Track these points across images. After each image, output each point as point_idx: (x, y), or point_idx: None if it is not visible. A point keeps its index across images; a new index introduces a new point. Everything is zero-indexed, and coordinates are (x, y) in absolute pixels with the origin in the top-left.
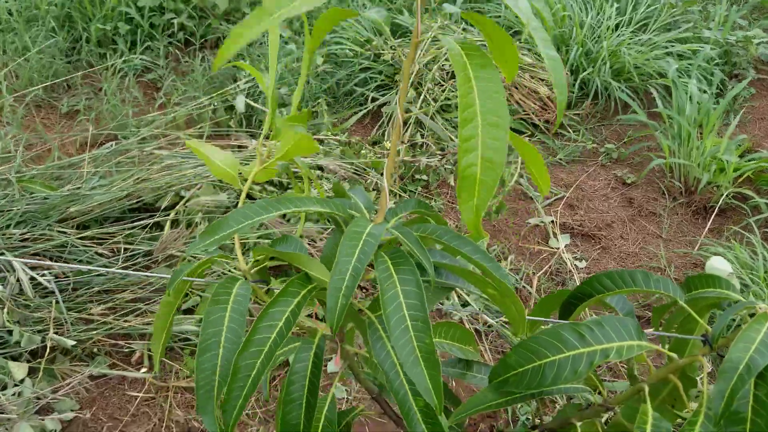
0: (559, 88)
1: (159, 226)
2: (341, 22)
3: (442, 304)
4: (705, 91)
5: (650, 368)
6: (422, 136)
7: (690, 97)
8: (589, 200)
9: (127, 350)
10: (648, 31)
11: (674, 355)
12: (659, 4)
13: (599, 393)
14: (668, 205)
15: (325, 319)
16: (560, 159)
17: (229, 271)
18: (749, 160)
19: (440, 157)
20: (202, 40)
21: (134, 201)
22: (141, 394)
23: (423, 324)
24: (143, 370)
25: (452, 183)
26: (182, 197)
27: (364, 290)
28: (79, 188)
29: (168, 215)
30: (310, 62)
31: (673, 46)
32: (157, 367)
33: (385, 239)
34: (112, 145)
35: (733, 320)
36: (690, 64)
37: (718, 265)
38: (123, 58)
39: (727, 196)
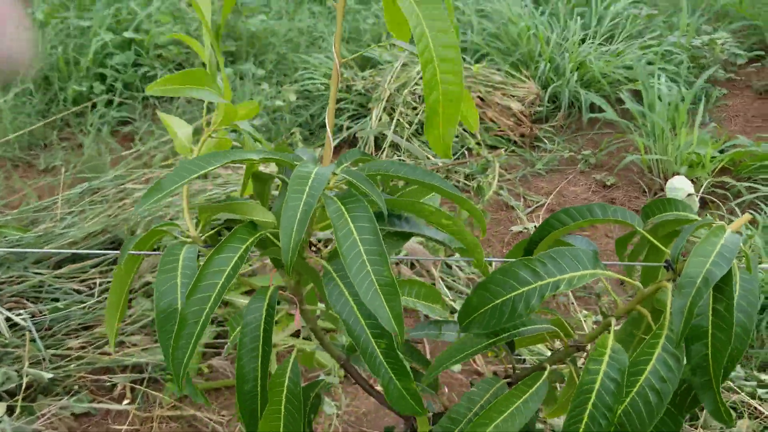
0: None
1: None
2: (313, 60)
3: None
4: (673, 88)
5: (617, 302)
6: (399, 157)
7: (659, 96)
8: (571, 204)
9: (108, 384)
10: (614, 42)
11: (638, 284)
12: (622, 17)
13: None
14: (650, 201)
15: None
16: (539, 169)
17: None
18: (722, 151)
19: None
20: None
21: (108, 236)
22: (125, 427)
23: (380, 257)
24: (126, 401)
25: None
26: None
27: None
28: (53, 228)
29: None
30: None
31: (639, 53)
32: (112, 344)
33: (333, 186)
34: (85, 185)
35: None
36: (660, 69)
37: (678, 184)
38: (99, 114)
39: (707, 186)
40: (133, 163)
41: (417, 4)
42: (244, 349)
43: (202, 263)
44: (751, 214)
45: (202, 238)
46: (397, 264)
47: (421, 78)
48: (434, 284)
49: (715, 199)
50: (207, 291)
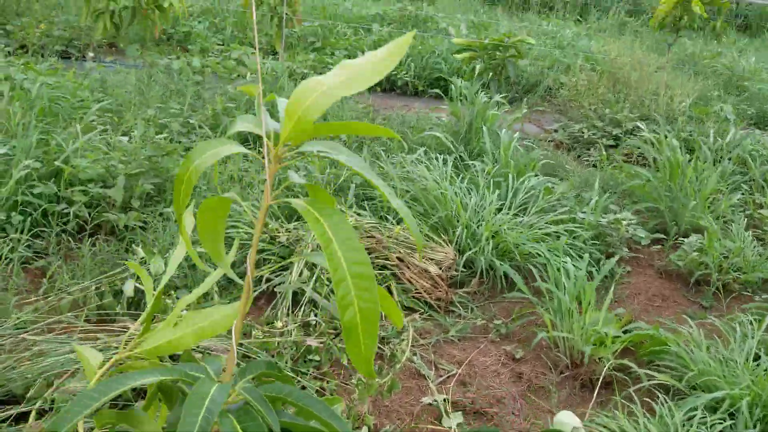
0: (413, 232)
1: (25, 416)
2: (238, 207)
3: None
4: (579, 268)
5: None
6: (315, 315)
7: (567, 272)
8: (481, 377)
9: None
10: (527, 214)
11: None
12: (536, 191)
13: None
14: (556, 379)
15: None
16: (452, 336)
17: None
18: (626, 332)
19: (333, 336)
20: (94, 225)
21: (2, 391)
22: None
23: None
24: None
25: (346, 363)
26: (52, 384)
27: None
28: None
29: (35, 405)
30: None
31: (550, 227)
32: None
33: (233, 401)
34: None
35: None
36: (568, 245)
37: (565, 419)
38: (10, 246)
39: (609, 368)
40: (40, 307)
41: (327, 223)
42: None
43: None
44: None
45: None
46: None
47: None
48: None
49: (618, 384)
50: None
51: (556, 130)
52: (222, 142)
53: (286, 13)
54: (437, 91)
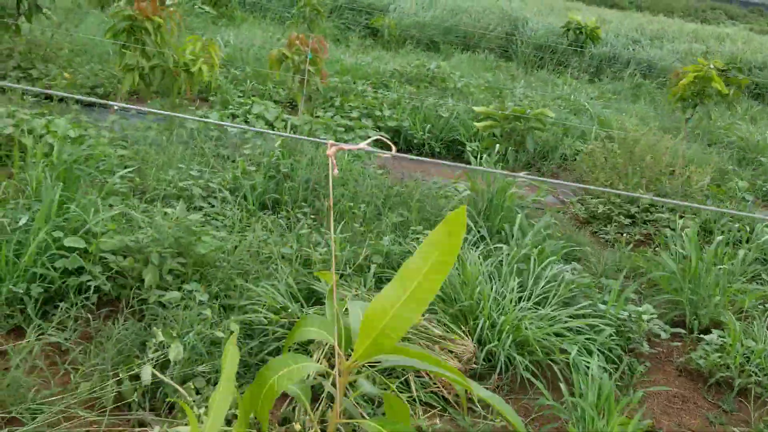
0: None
1: None
2: (257, 287)
3: None
4: (606, 370)
5: None
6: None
7: (591, 377)
8: None
9: None
10: (548, 305)
11: None
12: (558, 279)
13: None
14: None
15: None
16: None
17: None
18: None
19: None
20: (114, 301)
21: None
22: None
23: None
24: None
25: None
26: None
27: None
28: None
29: None
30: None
31: (571, 320)
32: None
33: None
34: None
35: None
36: (588, 339)
37: None
38: (33, 325)
39: None
40: (59, 402)
41: None
42: None
43: None
44: None
45: None
46: None
47: None
48: None
49: None
50: None
51: (572, 202)
52: (296, 359)
53: (309, 69)
54: (453, 159)
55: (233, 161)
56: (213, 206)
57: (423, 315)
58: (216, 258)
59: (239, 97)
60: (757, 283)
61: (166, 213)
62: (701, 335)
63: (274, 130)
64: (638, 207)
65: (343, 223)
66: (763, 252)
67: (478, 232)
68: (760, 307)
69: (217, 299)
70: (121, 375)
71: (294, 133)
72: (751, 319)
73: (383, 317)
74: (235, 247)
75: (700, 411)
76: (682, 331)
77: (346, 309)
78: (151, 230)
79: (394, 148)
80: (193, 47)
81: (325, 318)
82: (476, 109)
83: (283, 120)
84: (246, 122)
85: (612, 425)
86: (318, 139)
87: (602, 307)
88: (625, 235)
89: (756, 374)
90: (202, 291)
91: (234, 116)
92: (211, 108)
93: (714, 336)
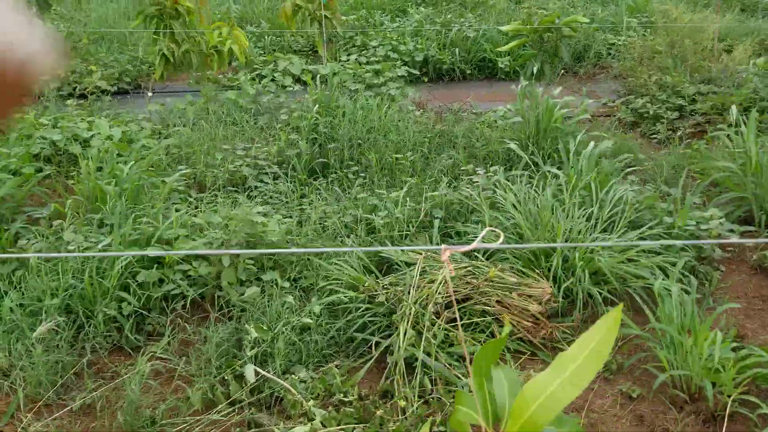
0: None
1: None
2: (330, 264)
3: None
4: (684, 287)
5: None
6: (430, 379)
7: (672, 298)
8: (602, 422)
9: None
10: (615, 230)
11: None
12: (622, 202)
13: None
14: (678, 417)
15: None
16: None
17: None
18: (741, 357)
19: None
20: (201, 304)
21: None
22: None
23: None
24: None
25: None
26: None
27: None
28: None
29: None
30: None
31: (642, 243)
32: None
33: None
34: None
35: None
36: (662, 258)
37: None
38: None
39: (733, 403)
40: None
41: None
42: None
43: None
44: None
45: None
46: None
47: (441, 291)
48: None
49: (744, 419)
50: None
51: (614, 102)
52: None
53: (326, 15)
54: (486, 78)
55: (273, 131)
56: (266, 183)
57: (495, 266)
58: (287, 240)
59: (260, 55)
60: None
61: (231, 208)
62: None
63: (303, 86)
64: (685, 100)
65: (391, 177)
66: None
67: (534, 163)
68: None
69: (296, 283)
70: (226, 377)
71: (322, 82)
72: None
73: (536, 398)
74: (299, 222)
75: None
76: (752, 228)
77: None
78: (219, 232)
79: (502, 236)
80: (219, 32)
81: (471, 396)
82: (504, 28)
83: (309, 72)
84: (273, 81)
85: (700, 343)
86: (428, 247)
87: (669, 220)
88: (678, 132)
89: None
90: (279, 279)
91: (261, 77)
92: (237, 73)
93: None
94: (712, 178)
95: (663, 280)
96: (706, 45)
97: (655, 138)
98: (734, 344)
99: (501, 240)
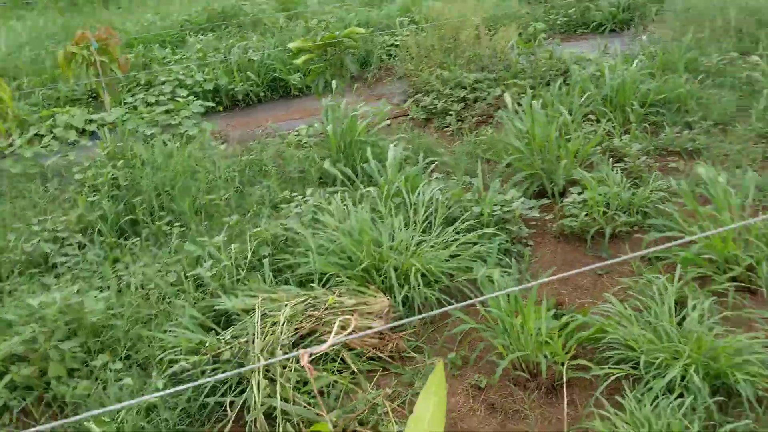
0: None
1: None
2: (164, 333)
3: None
4: (509, 273)
5: None
6: (293, 425)
7: (496, 285)
8: (460, 420)
9: None
10: (433, 229)
11: None
12: (433, 202)
13: None
14: (525, 396)
15: None
16: (418, 388)
17: None
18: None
19: None
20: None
21: None
22: None
23: None
24: None
25: None
26: None
27: None
28: None
29: None
30: None
31: (459, 237)
32: None
33: None
34: None
35: None
36: (480, 246)
37: None
38: None
39: (568, 370)
40: None
41: None
42: None
43: None
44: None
45: None
46: None
47: (286, 331)
48: None
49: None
50: None
51: (405, 102)
52: None
53: (103, 60)
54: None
55: (68, 195)
56: (72, 256)
57: (332, 292)
58: (109, 317)
59: (34, 112)
60: (588, 124)
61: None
62: (564, 198)
63: (92, 137)
64: (467, 90)
65: (209, 220)
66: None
67: (344, 174)
68: (599, 153)
69: (129, 360)
70: None
71: (110, 131)
72: (597, 165)
73: None
74: (118, 291)
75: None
76: (546, 200)
77: None
78: (35, 326)
79: (353, 323)
80: None
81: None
82: (291, 45)
83: (95, 121)
84: (55, 138)
85: (528, 322)
86: (287, 356)
87: (477, 210)
88: (466, 122)
89: (618, 216)
90: (111, 361)
91: (40, 136)
92: (9, 137)
93: (574, 197)
94: (507, 161)
95: (485, 268)
96: (470, 34)
97: (447, 131)
98: (554, 311)
99: (352, 326)
